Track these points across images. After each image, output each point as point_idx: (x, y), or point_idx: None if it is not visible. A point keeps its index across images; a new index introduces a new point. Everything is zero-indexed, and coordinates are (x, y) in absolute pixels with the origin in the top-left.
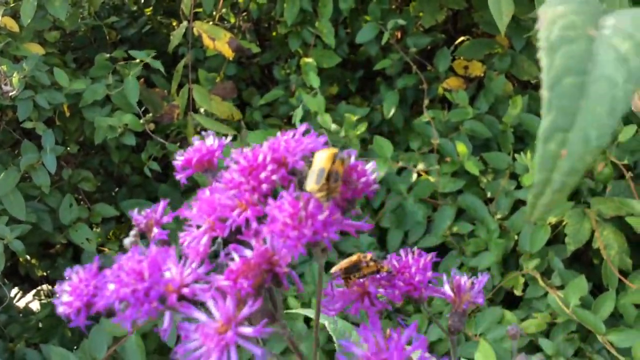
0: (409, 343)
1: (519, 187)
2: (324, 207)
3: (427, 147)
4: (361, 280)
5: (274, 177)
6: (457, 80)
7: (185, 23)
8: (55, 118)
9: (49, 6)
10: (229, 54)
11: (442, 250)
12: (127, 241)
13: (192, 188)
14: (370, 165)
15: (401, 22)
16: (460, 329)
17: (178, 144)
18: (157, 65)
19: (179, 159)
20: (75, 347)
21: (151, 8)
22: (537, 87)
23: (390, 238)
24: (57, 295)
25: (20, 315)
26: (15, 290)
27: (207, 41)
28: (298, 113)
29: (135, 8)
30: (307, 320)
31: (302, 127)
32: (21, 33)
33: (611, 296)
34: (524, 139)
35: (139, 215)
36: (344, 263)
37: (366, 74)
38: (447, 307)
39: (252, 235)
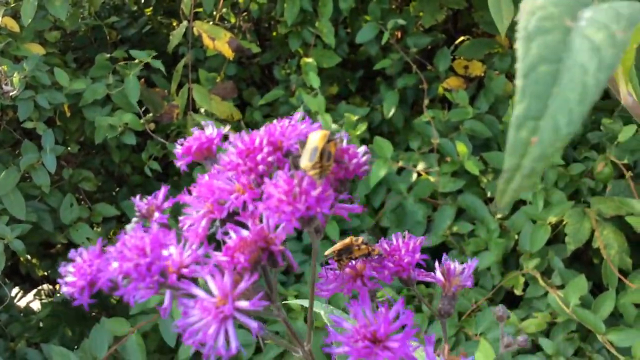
0: (397, 318)
1: None
2: (317, 184)
3: (427, 147)
4: (353, 262)
5: (270, 158)
6: (457, 80)
7: (185, 23)
8: (55, 118)
9: (50, 6)
10: (228, 54)
11: (442, 249)
12: (129, 227)
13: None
14: (361, 149)
15: (401, 21)
16: (450, 312)
17: None
18: (158, 65)
19: (178, 147)
20: (75, 347)
21: (151, 8)
22: None
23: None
24: (63, 277)
25: (21, 314)
26: (16, 289)
27: (207, 41)
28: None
29: (135, 8)
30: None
31: (297, 115)
32: (22, 33)
33: (611, 296)
34: None
35: (140, 202)
36: (338, 246)
37: (366, 74)
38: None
39: (248, 217)
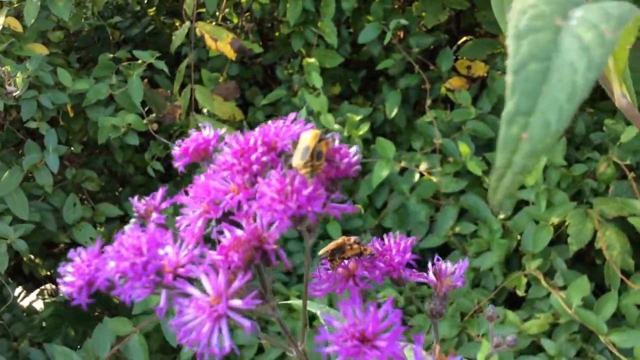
0: (386, 317)
1: (522, 187)
2: (308, 183)
3: (430, 147)
4: (346, 262)
5: (264, 158)
6: (460, 80)
7: (187, 23)
8: (59, 118)
9: (53, 6)
10: (231, 54)
11: (444, 250)
12: (127, 227)
13: None
14: (353, 149)
15: (404, 22)
16: (442, 312)
17: None
18: (161, 65)
19: (176, 149)
20: (78, 347)
21: (154, 8)
22: None
23: None
24: (62, 276)
25: (24, 314)
26: (19, 289)
27: (209, 41)
28: (302, 114)
29: (138, 8)
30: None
31: (291, 115)
32: (25, 33)
33: (613, 297)
34: None
35: (138, 202)
36: (331, 245)
37: (369, 74)
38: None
39: (243, 216)
